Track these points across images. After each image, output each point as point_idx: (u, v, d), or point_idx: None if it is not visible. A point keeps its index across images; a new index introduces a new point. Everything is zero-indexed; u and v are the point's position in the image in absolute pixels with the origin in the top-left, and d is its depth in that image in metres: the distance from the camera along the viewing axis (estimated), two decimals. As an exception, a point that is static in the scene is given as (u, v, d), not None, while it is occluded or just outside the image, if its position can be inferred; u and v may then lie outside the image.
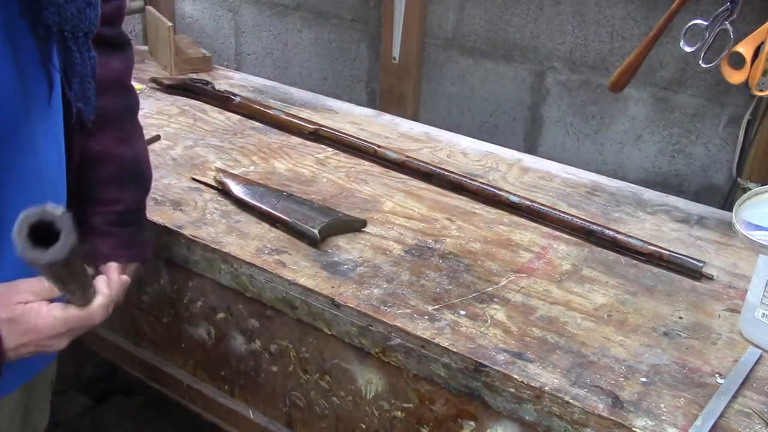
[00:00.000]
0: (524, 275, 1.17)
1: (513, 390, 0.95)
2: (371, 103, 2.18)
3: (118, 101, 1.06)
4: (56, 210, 0.58)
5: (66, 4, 0.80)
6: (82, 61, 0.85)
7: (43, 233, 0.58)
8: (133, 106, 1.11)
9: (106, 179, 1.04)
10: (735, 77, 1.25)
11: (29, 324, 0.82)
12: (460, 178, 1.43)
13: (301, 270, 1.14)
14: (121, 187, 1.06)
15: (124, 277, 0.99)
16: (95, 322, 0.88)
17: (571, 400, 0.91)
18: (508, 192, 1.38)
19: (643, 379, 0.96)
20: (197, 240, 1.21)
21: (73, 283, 0.79)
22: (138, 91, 1.13)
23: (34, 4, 0.79)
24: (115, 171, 1.05)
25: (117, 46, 1.05)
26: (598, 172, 1.63)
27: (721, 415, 0.90)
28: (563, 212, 1.32)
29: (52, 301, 0.85)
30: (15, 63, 0.80)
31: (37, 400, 1.10)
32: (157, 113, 1.72)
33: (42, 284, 0.84)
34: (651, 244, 1.24)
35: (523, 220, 1.34)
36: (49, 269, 0.66)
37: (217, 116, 1.73)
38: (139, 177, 1.10)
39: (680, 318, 1.09)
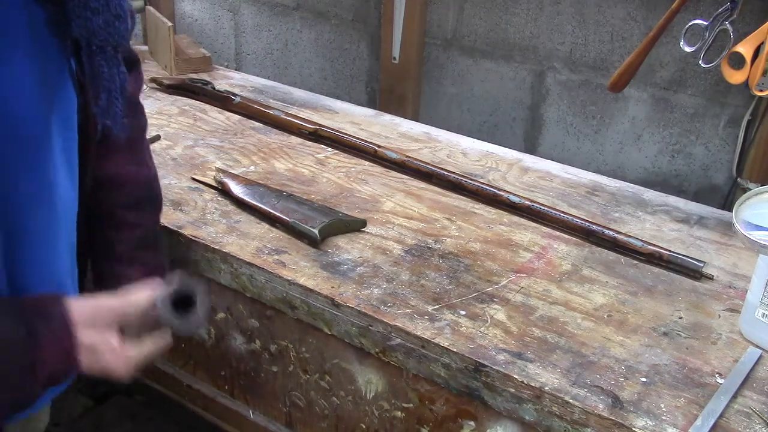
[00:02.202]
0: (524, 275, 1.17)
1: (513, 390, 0.95)
2: (371, 103, 2.19)
3: (133, 122, 1.04)
4: (191, 283, 0.69)
5: (93, 16, 0.79)
6: (111, 77, 0.84)
7: (176, 300, 0.71)
8: (144, 126, 1.11)
9: (124, 203, 1.04)
10: (735, 77, 1.25)
11: (103, 362, 0.83)
12: (460, 178, 1.43)
13: (301, 270, 1.14)
14: (139, 211, 1.06)
15: None
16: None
17: (571, 400, 0.91)
18: (508, 192, 1.38)
19: (643, 379, 0.96)
20: (197, 240, 1.21)
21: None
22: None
23: (62, 17, 0.78)
24: (132, 195, 1.05)
25: (129, 64, 1.03)
26: (598, 172, 1.63)
27: (721, 415, 0.90)
28: (563, 212, 1.32)
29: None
30: (40, 78, 0.80)
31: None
32: (157, 113, 1.72)
33: (121, 303, 0.84)
34: (651, 244, 1.24)
35: (523, 220, 1.34)
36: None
37: (217, 116, 1.73)
38: (153, 198, 1.10)
39: (680, 318, 1.09)
